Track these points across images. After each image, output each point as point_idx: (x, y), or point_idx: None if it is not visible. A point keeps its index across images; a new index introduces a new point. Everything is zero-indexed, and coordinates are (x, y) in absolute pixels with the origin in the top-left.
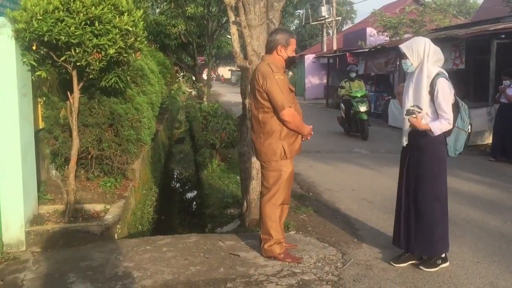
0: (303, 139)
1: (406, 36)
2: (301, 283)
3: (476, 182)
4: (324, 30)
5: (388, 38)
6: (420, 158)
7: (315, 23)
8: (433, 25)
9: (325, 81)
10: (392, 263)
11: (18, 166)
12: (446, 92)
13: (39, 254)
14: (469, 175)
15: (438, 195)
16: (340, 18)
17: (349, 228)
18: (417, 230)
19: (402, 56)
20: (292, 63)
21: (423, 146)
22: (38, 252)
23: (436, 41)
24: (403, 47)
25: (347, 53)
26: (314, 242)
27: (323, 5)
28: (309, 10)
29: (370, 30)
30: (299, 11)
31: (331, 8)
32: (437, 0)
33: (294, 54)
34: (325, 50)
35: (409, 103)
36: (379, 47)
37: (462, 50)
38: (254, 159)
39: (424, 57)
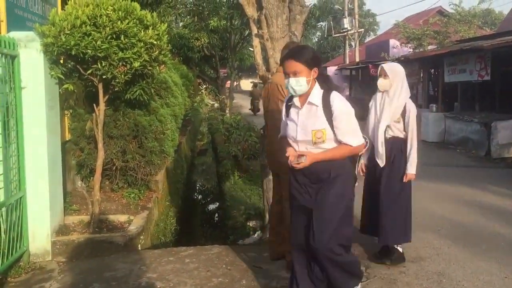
0: None
1: (430, 47)
2: None
3: (504, 195)
4: (347, 42)
5: (411, 50)
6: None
7: (337, 35)
8: (457, 36)
9: (347, 93)
10: None
11: (45, 177)
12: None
13: (65, 264)
14: (496, 188)
15: None
16: (362, 30)
17: (373, 241)
18: None
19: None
20: None
21: None
22: (63, 262)
23: (461, 52)
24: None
25: (370, 65)
26: None
27: (345, 17)
28: (331, 22)
29: (393, 42)
30: (321, 23)
31: (353, 20)
32: (461, 11)
33: None
34: (347, 62)
35: None
36: (402, 58)
37: (487, 61)
38: None
39: None
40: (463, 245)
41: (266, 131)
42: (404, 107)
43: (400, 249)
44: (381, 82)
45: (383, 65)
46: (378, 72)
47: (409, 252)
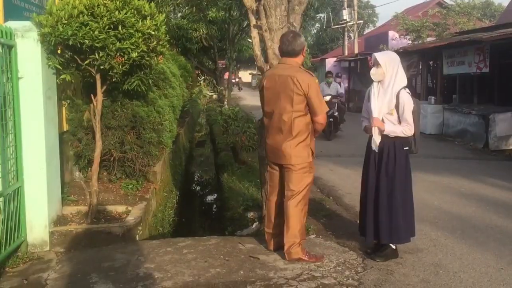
0: None
1: (429, 39)
2: (321, 287)
3: (501, 187)
4: (346, 33)
5: (410, 42)
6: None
7: (336, 26)
8: (456, 28)
9: (346, 85)
10: None
11: (43, 167)
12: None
13: (62, 254)
14: (494, 180)
15: None
16: (361, 21)
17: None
18: None
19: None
20: None
21: None
22: (61, 252)
23: (459, 44)
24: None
25: (369, 57)
26: (334, 246)
27: (344, 9)
28: (330, 13)
29: (392, 34)
30: (320, 14)
31: (352, 12)
32: (461, 3)
33: None
34: (346, 54)
35: None
36: (401, 50)
37: (486, 53)
38: None
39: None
40: (460, 236)
41: (263, 123)
42: (398, 98)
43: (393, 245)
44: (373, 72)
45: (375, 53)
46: (372, 61)
47: (406, 244)
